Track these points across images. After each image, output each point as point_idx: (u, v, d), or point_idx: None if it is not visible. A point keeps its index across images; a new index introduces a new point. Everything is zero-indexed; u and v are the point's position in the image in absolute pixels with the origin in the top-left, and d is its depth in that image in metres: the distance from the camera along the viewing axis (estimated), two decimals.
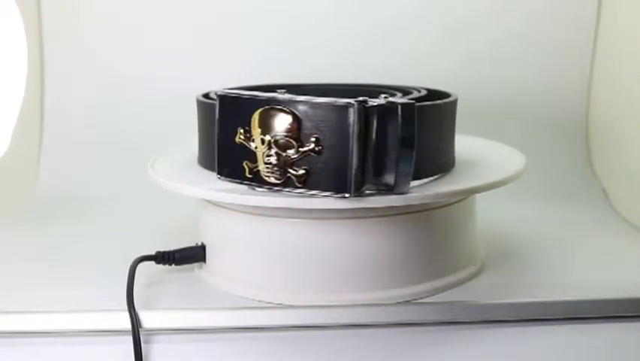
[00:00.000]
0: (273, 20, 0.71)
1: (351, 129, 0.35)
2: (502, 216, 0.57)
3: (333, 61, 0.70)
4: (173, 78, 0.69)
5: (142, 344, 0.36)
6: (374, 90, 0.49)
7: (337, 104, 0.35)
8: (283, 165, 0.36)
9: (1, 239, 0.54)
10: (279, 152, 0.36)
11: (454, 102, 0.44)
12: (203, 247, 0.44)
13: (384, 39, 0.71)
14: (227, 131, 0.38)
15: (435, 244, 0.42)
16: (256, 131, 0.37)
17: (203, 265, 0.44)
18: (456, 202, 0.43)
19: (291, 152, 0.36)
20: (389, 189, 0.36)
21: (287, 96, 0.36)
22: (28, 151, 0.69)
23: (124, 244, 0.50)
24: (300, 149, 0.36)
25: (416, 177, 0.40)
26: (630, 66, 0.64)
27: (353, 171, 0.35)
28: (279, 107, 0.36)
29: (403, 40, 0.71)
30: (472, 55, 0.71)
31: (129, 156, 0.65)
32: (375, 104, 0.35)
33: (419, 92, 0.47)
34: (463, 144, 0.51)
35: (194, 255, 0.44)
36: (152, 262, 0.44)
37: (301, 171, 0.36)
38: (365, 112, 0.35)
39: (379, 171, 0.36)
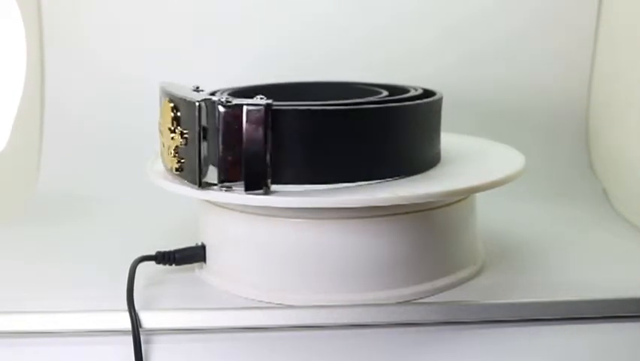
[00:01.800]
0: (273, 20, 0.71)
1: (196, 126, 0.36)
2: (502, 217, 0.57)
3: (332, 60, 0.70)
4: (173, 78, 0.69)
5: (142, 344, 0.36)
6: (372, 90, 0.49)
7: (187, 100, 0.37)
8: (168, 153, 0.39)
9: (1, 239, 0.54)
10: (165, 141, 0.39)
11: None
12: (203, 247, 0.44)
13: (384, 39, 0.71)
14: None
15: (435, 244, 0.42)
16: (160, 120, 0.40)
17: (204, 265, 0.44)
18: (456, 202, 0.43)
19: (170, 142, 0.38)
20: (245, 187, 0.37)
21: (173, 90, 0.39)
22: (28, 151, 0.69)
23: (124, 244, 0.50)
24: (172, 140, 0.38)
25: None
26: (630, 67, 0.64)
27: (198, 165, 0.37)
28: (169, 101, 0.39)
29: (403, 40, 0.71)
30: (472, 55, 0.71)
31: (129, 156, 0.65)
32: (231, 103, 0.36)
33: (416, 90, 0.47)
34: (463, 144, 0.51)
35: (194, 255, 0.44)
36: (153, 262, 0.44)
37: (176, 160, 0.38)
38: (227, 110, 0.36)
39: (231, 169, 0.36)
